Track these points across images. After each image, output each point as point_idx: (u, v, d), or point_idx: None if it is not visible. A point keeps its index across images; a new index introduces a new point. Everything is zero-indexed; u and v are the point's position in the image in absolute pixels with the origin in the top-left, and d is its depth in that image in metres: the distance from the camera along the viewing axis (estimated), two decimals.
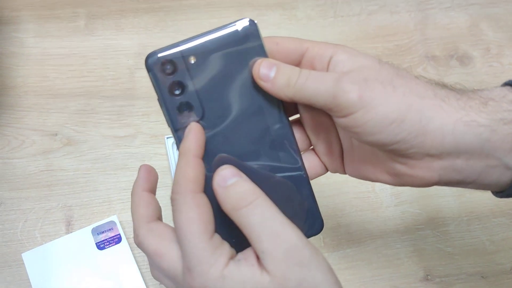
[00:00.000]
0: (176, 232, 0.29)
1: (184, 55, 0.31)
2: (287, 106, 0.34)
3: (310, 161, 0.36)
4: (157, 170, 0.34)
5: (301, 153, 0.35)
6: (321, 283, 0.28)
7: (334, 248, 0.56)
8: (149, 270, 0.33)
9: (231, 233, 0.30)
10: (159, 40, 0.67)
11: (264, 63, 0.31)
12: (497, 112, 0.30)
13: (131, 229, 0.32)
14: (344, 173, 0.37)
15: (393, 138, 0.30)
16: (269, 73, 0.31)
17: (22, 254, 0.52)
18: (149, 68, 0.31)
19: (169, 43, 0.31)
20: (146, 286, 0.51)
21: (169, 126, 0.32)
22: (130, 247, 0.52)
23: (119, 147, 0.60)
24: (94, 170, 0.58)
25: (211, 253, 0.28)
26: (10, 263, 0.53)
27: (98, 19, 0.68)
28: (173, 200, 0.30)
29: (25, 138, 0.59)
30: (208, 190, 0.30)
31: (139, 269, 0.51)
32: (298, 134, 0.36)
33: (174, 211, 0.30)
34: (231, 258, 0.29)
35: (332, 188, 0.59)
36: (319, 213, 0.35)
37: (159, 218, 0.33)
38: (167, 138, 0.55)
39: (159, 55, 0.31)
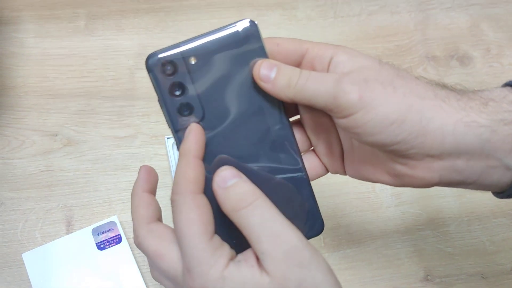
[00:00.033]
0: (176, 233, 0.29)
1: (185, 56, 0.31)
2: (288, 107, 0.34)
3: (310, 162, 0.36)
4: (157, 171, 0.34)
5: (302, 154, 0.35)
6: (321, 283, 0.28)
7: (335, 248, 0.56)
8: (149, 270, 0.33)
9: (231, 234, 0.30)
10: (160, 40, 0.67)
11: (264, 64, 0.31)
12: (498, 113, 0.30)
13: (132, 230, 0.32)
14: (345, 174, 0.37)
15: (393, 139, 0.30)
16: (269, 74, 0.31)
17: (22, 255, 0.52)
18: (149, 68, 0.31)
19: (169, 43, 0.31)
20: (146, 287, 0.51)
21: (169, 127, 0.32)
22: (131, 248, 0.52)
23: (119, 148, 0.60)
24: (94, 170, 0.58)
25: (211, 254, 0.28)
26: (10, 264, 0.53)
27: (98, 20, 0.68)
28: (173, 201, 0.30)
29: (25, 138, 0.59)
30: (208, 191, 0.30)
31: (140, 269, 0.51)
32: (298, 135, 0.36)
33: (174, 212, 0.30)
34: (231, 259, 0.29)
35: (333, 189, 0.59)
36: (320, 214, 0.35)
37: (159, 219, 0.33)
38: (167, 138, 0.55)
39: (160, 56, 0.31)
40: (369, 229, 0.57)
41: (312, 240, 0.34)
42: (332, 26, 0.71)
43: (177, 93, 0.31)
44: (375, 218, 0.58)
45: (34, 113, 0.61)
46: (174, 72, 0.31)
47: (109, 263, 0.51)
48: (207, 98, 0.32)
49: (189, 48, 0.31)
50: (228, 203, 0.29)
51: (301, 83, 0.31)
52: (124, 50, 0.66)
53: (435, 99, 0.30)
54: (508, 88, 0.32)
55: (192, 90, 0.31)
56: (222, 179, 0.30)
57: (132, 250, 0.52)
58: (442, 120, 0.29)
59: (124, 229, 0.54)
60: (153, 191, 0.33)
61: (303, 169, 0.34)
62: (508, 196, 0.33)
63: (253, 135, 0.33)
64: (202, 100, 0.32)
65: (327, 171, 0.37)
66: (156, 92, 0.32)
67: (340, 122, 0.31)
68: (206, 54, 0.31)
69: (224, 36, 0.31)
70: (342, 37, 0.70)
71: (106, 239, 0.52)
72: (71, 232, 0.54)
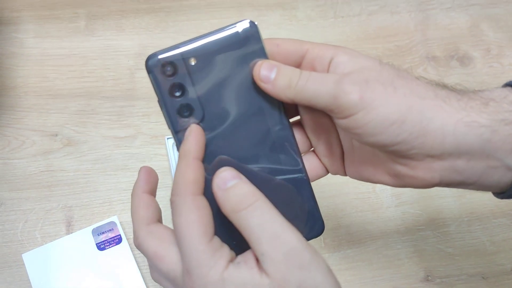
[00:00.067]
0: (176, 234, 0.29)
1: (185, 57, 0.31)
2: (288, 108, 0.34)
3: (310, 163, 0.36)
4: (157, 171, 0.34)
5: (302, 154, 0.35)
6: (321, 284, 0.28)
7: (335, 248, 0.56)
8: (149, 271, 0.33)
9: (231, 236, 0.30)
10: (160, 40, 0.67)
11: (264, 64, 0.31)
12: (498, 113, 0.30)
13: (132, 230, 0.32)
14: (345, 174, 0.37)
15: (394, 139, 0.30)
16: (269, 74, 0.31)
17: (23, 255, 0.52)
18: (149, 69, 0.31)
19: (169, 43, 0.31)
20: (147, 287, 0.51)
21: (169, 128, 0.32)
22: (131, 248, 0.52)
23: (119, 148, 0.60)
24: (95, 170, 0.58)
25: (211, 255, 0.28)
26: (10, 264, 0.53)
27: (99, 20, 0.68)
28: (172, 202, 0.30)
29: (25, 138, 0.59)
30: (208, 192, 0.30)
31: (140, 269, 0.51)
32: (298, 135, 0.36)
33: (173, 213, 0.29)
34: (231, 260, 0.29)
35: (333, 189, 0.59)
36: (320, 215, 0.35)
37: (159, 220, 0.33)
38: (168, 138, 0.55)
39: (160, 56, 0.31)
40: (369, 230, 0.57)
41: (312, 241, 0.34)
42: (332, 26, 0.71)
43: (177, 94, 0.31)
44: (375, 218, 0.58)
45: (34, 113, 0.61)
46: (174, 73, 0.31)
47: (109, 264, 0.51)
48: (207, 99, 0.32)
49: (189, 49, 0.31)
50: (227, 204, 0.29)
51: (301, 84, 0.30)
52: (124, 50, 0.66)
53: (436, 99, 0.30)
54: (509, 88, 0.32)
55: (192, 91, 0.31)
56: (222, 180, 0.30)
57: (132, 251, 0.52)
58: (443, 120, 0.29)
59: (124, 229, 0.54)
60: (153, 192, 0.33)
61: (303, 170, 0.34)
62: (509, 197, 0.33)
63: (253, 136, 0.33)
64: (202, 101, 0.32)
65: (327, 172, 0.37)
66: (156, 93, 0.32)
67: (340, 122, 0.31)
68: (206, 55, 0.31)
69: (224, 37, 0.31)
70: (342, 37, 0.70)
71: (106, 240, 0.52)
72: (71, 233, 0.54)
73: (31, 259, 0.51)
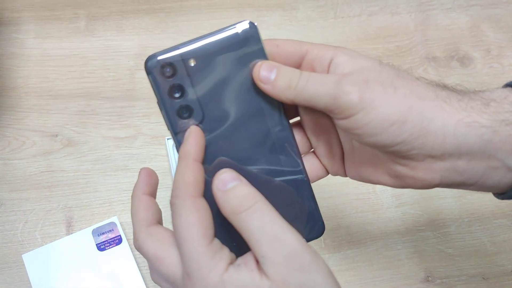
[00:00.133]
0: (176, 236, 0.29)
1: (184, 58, 0.31)
2: (288, 109, 0.34)
3: (310, 164, 0.36)
4: (157, 172, 0.34)
5: (302, 155, 0.35)
6: (321, 286, 0.28)
7: (335, 249, 0.56)
8: (149, 271, 0.33)
9: (231, 237, 0.30)
10: (160, 41, 0.67)
11: (264, 65, 0.31)
12: (499, 113, 0.30)
13: (132, 230, 0.32)
14: (345, 175, 0.37)
15: (394, 140, 0.29)
16: (269, 75, 0.31)
17: (23, 255, 0.52)
18: (148, 71, 0.31)
19: (169, 44, 0.31)
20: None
21: (168, 129, 0.32)
22: (131, 248, 0.52)
23: (119, 148, 0.60)
24: (95, 171, 0.58)
25: (211, 257, 0.28)
26: (10, 264, 0.53)
27: (99, 20, 0.68)
28: (172, 204, 0.30)
29: (26, 139, 0.59)
30: (208, 194, 0.30)
31: (140, 270, 0.51)
32: (298, 136, 0.36)
33: (173, 215, 0.29)
34: (231, 263, 0.29)
35: (333, 190, 0.59)
36: (320, 216, 0.35)
37: (159, 221, 0.32)
38: (168, 139, 0.55)
39: (159, 58, 0.31)
40: (369, 230, 0.57)
41: (312, 241, 0.34)
42: (333, 27, 0.71)
43: (177, 95, 0.31)
44: (375, 219, 0.58)
45: (34, 114, 0.61)
46: (173, 74, 0.31)
47: (109, 264, 0.51)
48: (206, 100, 0.32)
49: (189, 50, 0.31)
50: (227, 206, 0.29)
51: (301, 85, 0.30)
52: (124, 50, 0.66)
53: (436, 99, 0.30)
54: (509, 88, 0.32)
55: (192, 92, 0.31)
56: (222, 182, 0.30)
57: (132, 251, 0.52)
58: (443, 120, 0.29)
59: (124, 230, 0.54)
60: (153, 194, 0.33)
61: (303, 171, 0.34)
62: (509, 197, 0.32)
63: (253, 137, 0.33)
64: (202, 102, 0.32)
65: (328, 172, 0.37)
66: (155, 94, 0.31)
67: (340, 123, 0.31)
68: (205, 56, 0.31)
69: (224, 38, 0.31)
70: (342, 37, 0.70)
71: (106, 240, 0.52)
72: (71, 233, 0.54)
73: (31, 260, 0.51)
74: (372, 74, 0.30)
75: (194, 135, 0.31)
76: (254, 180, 0.30)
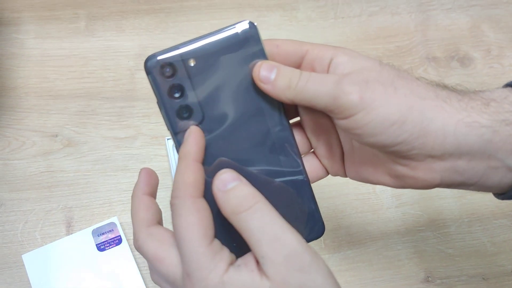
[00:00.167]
0: (176, 236, 0.29)
1: (184, 58, 0.31)
2: (287, 109, 0.34)
3: (310, 164, 0.36)
4: (157, 172, 0.34)
5: (302, 156, 0.35)
6: (321, 286, 0.28)
7: (335, 249, 0.56)
8: (149, 272, 0.33)
9: (231, 238, 0.30)
10: (160, 41, 0.67)
11: (264, 65, 0.31)
12: (499, 113, 0.30)
13: (132, 231, 0.32)
14: (345, 176, 0.37)
15: (394, 140, 0.29)
16: (269, 75, 0.31)
17: (22, 256, 0.51)
18: (148, 71, 0.31)
19: (170, 44, 0.31)
20: None
21: (168, 129, 0.32)
22: (131, 249, 0.52)
23: (119, 148, 0.60)
24: (95, 171, 0.58)
25: (211, 258, 0.28)
26: (10, 265, 0.53)
27: (99, 20, 0.68)
28: (172, 204, 0.30)
29: (26, 139, 0.59)
30: (208, 194, 0.30)
31: (140, 270, 0.51)
32: (298, 137, 0.36)
33: (173, 215, 0.29)
34: (231, 263, 0.29)
35: (333, 190, 0.59)
36: (320, 216, 0.35)
37: (159, 222, 0.32)
38: (168, 139, 0.55)
39: (159, 58, 0.31)
40: (369, 230, 0.57)
41: (312, 242, 0.34)
42: (333, 27, 0.71)
43: (176, 95, 0.31)
44: (375, 219, 0.58)
45: (34, 114, 0.61)
46: (173, 74, 0.31)
47: (109, 264, 0.51)
48: (206, 100, 0.32)
49: (188, 50, 0.31)
50: (228, 206, 0.29)
51: (301, 84, 0.30)
52: (124, 51, 0.66)
53: (436, 99, 0.30)
54: (509, 88, 0.31)
55: (191, 92, 0.31)
56: (222, 182, 0.30)
57: (132, 251, 0.52)
58: (443, 120, 0.29)
59: (124, 230, 0.54)
60: (153, 194, 0.33)
61: (303, 171, 0.34)
62: (510, 198, 0.32)
63: (253, 137, 0.33)
64: (202, 102, 0.32)
65: (328, 173, 0.37)
66: (155, 94, 0.31)
67: (340, 123, 0.31)
68: (205, 56, 0.31)
69: (224, 38, 0.31)
70: (342, 38, 0.70)
71: (106, 240, 0.52)
72: (71, 233, 0.54)
73: (31, 260, 0.51)
74: (372, 74, 0.30)
75: (194, 136, 0.31)
76: (254, 180, 0.30)
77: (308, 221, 0.35)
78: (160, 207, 0.33)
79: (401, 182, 0.33)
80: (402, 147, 0.30)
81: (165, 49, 0.31)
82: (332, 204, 0.58)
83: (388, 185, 0.34)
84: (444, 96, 0.30)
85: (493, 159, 0.30)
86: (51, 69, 0.64)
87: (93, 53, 0.66)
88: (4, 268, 0.52)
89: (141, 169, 0.33)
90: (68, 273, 0.51)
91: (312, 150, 0.37)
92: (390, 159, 0.32)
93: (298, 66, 0.33)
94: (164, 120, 0.32)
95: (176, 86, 0.31)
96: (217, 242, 0.29)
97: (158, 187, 0.34)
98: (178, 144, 0.32)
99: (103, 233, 0.53)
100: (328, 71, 0.32)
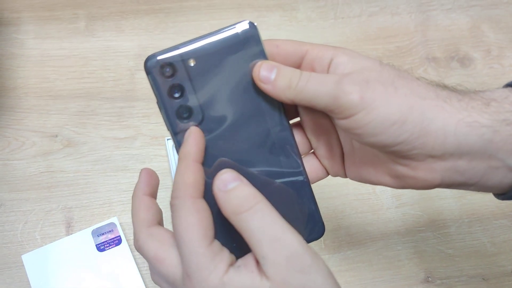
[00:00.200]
0: (176, 237, 0.29)
1: (184, 58, 0.31)
2: (287, 109, 0.34)
3: (310, 165, 0.36)
4: (157, 172, 0.34)
5: (302, 156, 0.35)
6: (321, 286, 0.28)
7: (335, 250, 0.56)
8: (149, 272, 0.33)
9: (231, 239, 0.30)
10: (160, 41, 0.67)
11: (264, 65, 0.31)
12: (500, 113, 0.30)
13: (131, 231, 0.32)
14: (345, 176, 0.36)
15: (395, 140, 0.29)
16: (269, 75, 0.31)
17: (22, 256, 0.51)
18: (148, 71, 0.31)
19: (169, 44, 0.31)
20: None
21: (168, 129, 0.32)
22: (130, 249, 0.52)
23: (119, 149, 0.60)
24: (94, 171, 0.58)
25: (211, 259, 0.28)
26: (10, 265, 0.53)
27: (98, 21, 0.68)
28: (172, 205, 0.30)
29: (25, 139, 0.59)
30: (208, 195, 0.30)
31: (139, 271, 0.51)
32: (298, 137, 0.35)
33: (173, 216, 0.29)
34: (231, 264, 0.29)
35: (333, 190, 0.59)
36: (320, 217, 0.35)
37: (160, 222, 0.32)
38: (168, 139, 0.55)
39: (158, 57, 0.31)
40: (369, 231, 0.57)
41: (312, 242, 0.34)
42: (333, 27, 0.71)
43: (176, 95, 0.31)
44: (375, 219, 0.58)
45: (34, 114, 0.61)
46: (173, 74, 0.31)
47: (109, 265, 0.51)
48: (206, 101, 0.32)
49: (188, 50, 0.31)
50: (228, 207, 0.29)
51: (301, 84, 0.30)
52: (124, 51, 0.66)
53: (437, 99, 0.30)
54: (510, 88, 0.31)
55: (191, 92, 0.31)
56: (223, 182, 0.29)
57: (132, 252, 0.52)
58: (444, 120, 0.29)
59: (124, 230, 0.54)
60: (154, 195, 0.33)
61: (303, 172, 0.34)
62: (510, 198, 0.32)
63: (253, 137, 0.33)
64: (201, 102, 0.32)
65: (328, 173, 0.37)
66: (155, 94, 0.31)
67: (341, 123, 0.30)
68: (205, 56, 0.31)
69: (223, 38, 0.31)
70: (342, 38, 0.70)
71: (106, 241, 0.52)
72: (71, 234, 0.54)
73: (31, 260, 0.51)
74: (372, 74, 0.30)
75: (194, 136, 0.31)
76: (254, 181, 0.30)
77: (308, 222, 0.35)
78: (160, 207, 0.33)
79: (402, 182, 0.33)
80: (402, 147, 0.30)
81: (165, 49, 0.31)
82: (332, 204, 0.58)
83: (388, 185, 0.34)
84: (444, 96, 0.30)
85: (494, 159, 0.30)
86: (51, 69, 0.64)
87: (93, 53, 0.66)
88: (3, 268, 0.52)
89: (141, 170, 0.33)
90: (67, 273, 0.50)
91: (312, 150, 0.37)
92: (390, 159, 0.32)
93: (298, 66, 0.33)
94: (164, 120, 0.32)
95: (176, 86, 0.31)
96: (217, 243, 0.29)
97: (158, 188, 0.34)
98: (178, 145, 0.32)
99: (103, 234, 0.53)
100: (328, 71, 0.32)
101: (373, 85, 0.29)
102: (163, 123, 0.32)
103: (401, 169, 0.32)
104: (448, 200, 0.59)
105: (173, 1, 0.71)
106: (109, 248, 0.52)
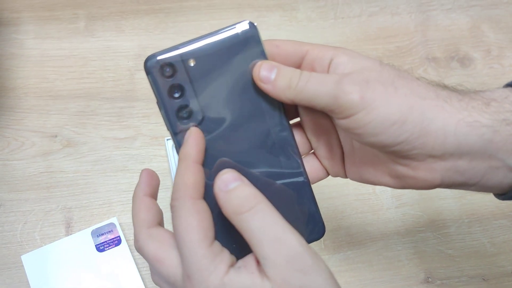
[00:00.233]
0: (176, 238, 0.29)
1: (184, 58, 0.31)
2: (287, 109, 0.34)
3: (311, 165, 0.36)
4: (157, 172, 0.34)
5: (302, 156, 0.35)
6: (321, 287, 0.28)
7: (335, 250, 0.56)
8: (149, 272, 0.33)
9: (231, 239, 0.30)
10: (159, 41, 0.67)
11: (264, 65, 0.31)
12: (500, 113, 0.30)
13: (131, 231, 0.32)
14: (346, 177, 0.36)
15: (395, 139, 0.29)
16: (269, 75, 0.31)
17: (22, 256, 0.51)
18: (148, 71, 0.31)
19: (169, 44, 0.31)
20: None
21: (168, 129, 0.32)
22: (130, 249, 0.52)
23: (119, 149, 0.60)
24: (94, 171, 0.58)
25: (211, 260, 0.28)
26: (9, 265, 0.52)
27: (98, 21, 0.68)
28: (172, 206, 0.29)
29: (25, 139, 0.59)
30: (208, 196, 0.30)
31: (139, 271, 0.51)
32: (298, 137, 0.35)
33: (173, 217, 0.29)
34: (231, 265, 0.29)
35: (333, 190, 0.59)
36: (321, 218, 0.35)
37: (160, 223, 0.32)
38: (167, 140, 0.55)
39: (158, 58, 0.31)
40: (369, 231, 0.57)
41: (312, 243, 0.34)
42: (333, 27, 0.71)
43: (176, 95, 0.31)
44: (375, 220, 0.58)
45: (34, 115, 0.61)
46: (173, 74, 0.31)
47: (109, 265, 0.51)
48: (206, 101, 0.31)
49: (188, 50, 0.31)
50: (229, 207, 0.29)
51: (301, 84, 0.30)
52: (124, 51, 0.66)
53: (437, 99, 0.30)
54: (510, 88, 0.31)
55: (191, 92, 0.31)
56: (224, 182, 0.29)
57: (131, 252, 0.52)
58: (444, 120, 0.29)
59: (123, 230, 0.54)
60: (154, 195, 0.33)
61: (303, 172, 0.34)
62: (510, 198, 0.32)
63: (253, 138, 0.33)
64: (201, 102, 0.31)
65: (328, 174, 0.37)
66: (155, 94, 0.31)
67: (341, 123, 0.30)
68: (205, 56, 0.31)
69: (223, 38, 0.31)
70: (342, 38, 0.70)
71: (106, 241, 0.52)
72: (71, 234, 0.54)
73: (30, 261, 0.51)
74: (372, 74, 0.30)
75: (194, 137, 0.31)
76: (254, 181, 0.30)
77: (308, 222, 0.35)
78: (160, 207, 0.33)
79: (402, 183, 0.33)
80: (402, 147, 0.30)
81: (165, 49, 0.31)
82: (332, 204, 0.58)
83: (388, 185, 0.34)
84: (444, 96, 0.30)
85: (494, 159, 0.30)
86: (51, 70, 0.64)
87: (92, 54, 0.66)
88: (3, 269, 0.52)
89: (142, 170, 0.33)
90: (67, 273, 0.50)
91: (312, 151, 0.37)
92: (390, 159, 0.32)
93: (298, 66, 0.33)
94: (164, 121, 0.32)
95: (176, 86, 0.31)
96: (217, 244, 0.29)
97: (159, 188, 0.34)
98: (178, 145, 0.32)
99: (102, 234, 0.53)
100: (328, 71, 0.32)
101: (373, 85, 0.29)
102: (163, 123, 0.32)
103: (401, 169, 0.32)
104: (448, 200, 0.59)
105: (173, 1, 0.71)
106: (109, 249, 0.52)
